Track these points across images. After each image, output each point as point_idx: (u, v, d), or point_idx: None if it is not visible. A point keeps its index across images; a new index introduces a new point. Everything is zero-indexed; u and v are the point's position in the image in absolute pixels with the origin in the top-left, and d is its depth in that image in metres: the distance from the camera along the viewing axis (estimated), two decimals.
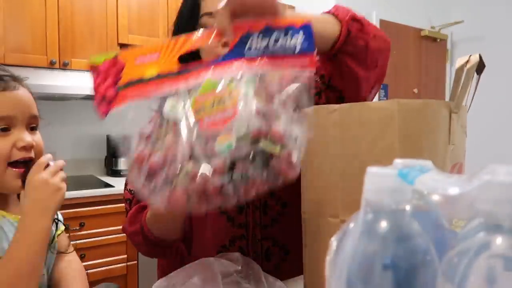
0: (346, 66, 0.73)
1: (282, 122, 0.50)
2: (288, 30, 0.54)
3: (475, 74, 0.63)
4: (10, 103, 0.77)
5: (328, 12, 0.71)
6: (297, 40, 0.54)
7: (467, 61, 0.61)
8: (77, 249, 1.00)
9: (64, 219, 0.98)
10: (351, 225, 0.31)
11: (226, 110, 0.49)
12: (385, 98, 3.50)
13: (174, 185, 0.48)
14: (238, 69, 0.53)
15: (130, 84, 0.54)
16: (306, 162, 0.69)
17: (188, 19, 0.84)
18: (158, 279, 0.72)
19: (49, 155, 0.79)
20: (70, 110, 2.78)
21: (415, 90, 3.79)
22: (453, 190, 0.27)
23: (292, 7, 3.46)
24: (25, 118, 0.79)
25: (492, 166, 0.26)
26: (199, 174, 0.47)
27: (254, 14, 0.54)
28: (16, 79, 0.80)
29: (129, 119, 0.52)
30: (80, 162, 2.80)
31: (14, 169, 0.77)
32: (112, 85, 0.53)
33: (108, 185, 2.35)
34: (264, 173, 0.48)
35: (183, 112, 0.51)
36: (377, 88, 0.81)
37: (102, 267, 2.22)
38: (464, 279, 0.24)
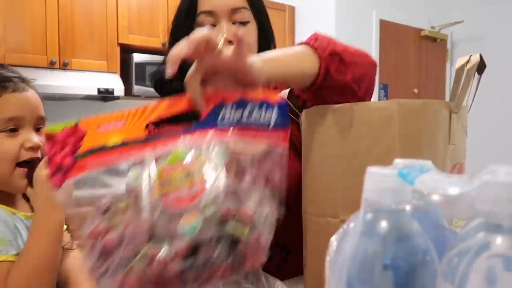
0: (329, 99, 0.70)
1: (252, 201, 0.47)
2: (263, 104, 0.52)
3: (476, 74, 0.63)
4: (20, 104, 0.78)
5: (308, 43, 0.66)
6: (272, 115, 0.52)
7: (468, 61, 0.61)
8: None
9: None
10: (351, 225, 0.31)
11: (194, 185, 0.46)
12: (385, 98, 3.51)
13: (129, 270, 0.43)
14: (210, 139, 0.50)
15: (91, 152, 0.50)
16: (307, 162, 0.69)
17: (185, 18, 0.84)
18: None
19: None
20: (70, 110, 2.78)
21: (415, 90, 3.79)
22: (453, 190, 0.27)
23: (292, 7, 3.47)
24: (33, 119, 0.80)
25: (492, 166, 0.26)
26: (157, 257, 0.43)
27: (227, 75, 0.53)
28: (24, 80, 0.82)
29: (86, 189, 0.48)
30: None
31: (21, 169, 0.79)
32: (70, 154, 0.49)
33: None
34: (230, 258, 0.44)
35: (147, 184, 0.47)
36: (368, 99, 0.79)
37: None
38: (464, 279, 0.24)
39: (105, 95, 2.60)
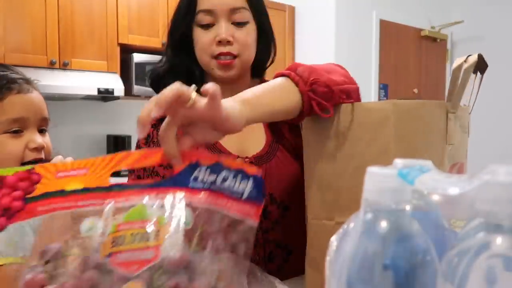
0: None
1: (208, 276, 0.43)
2: (238, 173, 0.49)
3: (478, 74, 0.63)
4: (24, 106, 0.79)
5: (289, 75, 0.64)
6: (246, 187, 0.49)
7: (465, 61, 0.61)
8: None
9: None
10: (351, 225, 0.31)
11: (148, 249, 0.42)
12: (385, 98, 3.50)
13: None
14: (177, 201, 0.47)
15: (44, 196, 0.47)
16: (307, 163, 0.69)
17: (184, 15, 0.84)
18: None
19: (60, 157, 0.81)
20: (70, 110, 2.78)
21: (415, 90, 3.79)
22: (453, 190, 0.27)
23: (292, 7, 3.47)
24: (37, 120, 0.81)
25: (492, 166, 0.26)
26: None
27: (203, 126, 0.51)
28: (29, 81, 0.82)
29: (31, 235, 0.44)
30: None
31: None
32: (21, 198, 0.47)
33: None
34: None
35: (98, 237, 0.43)
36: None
37: None
38: (464, 279, 0.24)
39: (105, 95, 2.60)
